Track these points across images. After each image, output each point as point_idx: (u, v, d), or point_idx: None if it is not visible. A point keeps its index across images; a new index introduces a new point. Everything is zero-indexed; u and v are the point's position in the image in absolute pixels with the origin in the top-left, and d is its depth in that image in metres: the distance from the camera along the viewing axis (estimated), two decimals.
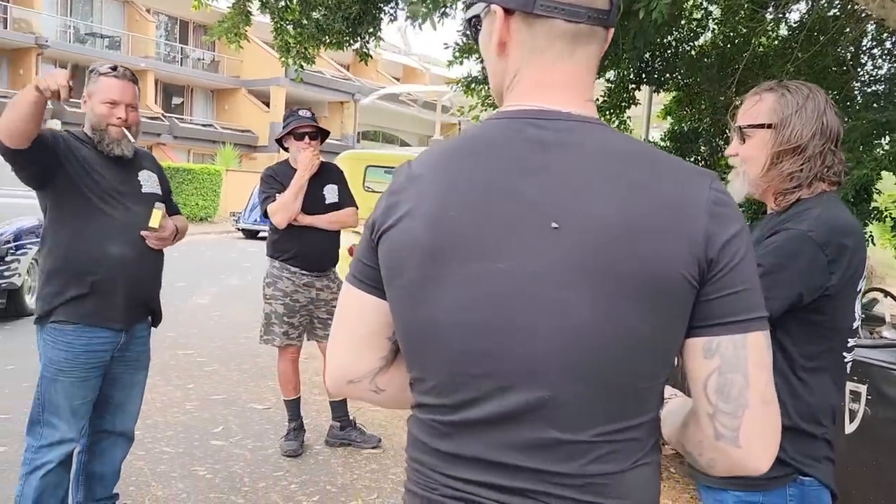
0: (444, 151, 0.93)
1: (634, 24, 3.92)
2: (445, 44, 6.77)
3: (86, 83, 2.52)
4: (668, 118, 8.51)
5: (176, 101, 29.93)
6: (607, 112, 8.61)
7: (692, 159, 7.11)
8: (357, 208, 3.91)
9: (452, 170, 0.90)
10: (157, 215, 2.49)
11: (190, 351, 6.07)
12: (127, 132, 2.47)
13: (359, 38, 6.79)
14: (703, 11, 6.84)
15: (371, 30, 6.74)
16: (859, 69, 7.91)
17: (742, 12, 6.38)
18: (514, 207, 0.85)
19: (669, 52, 6.73)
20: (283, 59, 6.65)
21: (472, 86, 7.39)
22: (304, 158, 3.65)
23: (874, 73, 7.57)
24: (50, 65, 25.66)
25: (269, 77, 28.41)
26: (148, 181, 2.55)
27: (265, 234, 16.54)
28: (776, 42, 6.72)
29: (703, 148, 7.29)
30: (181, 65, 29.81)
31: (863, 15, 6.79)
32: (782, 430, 0.89)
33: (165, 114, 27.34)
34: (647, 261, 0.82)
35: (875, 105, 5.59)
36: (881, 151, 4.81)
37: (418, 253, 0.87)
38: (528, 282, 0.84)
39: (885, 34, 6.47)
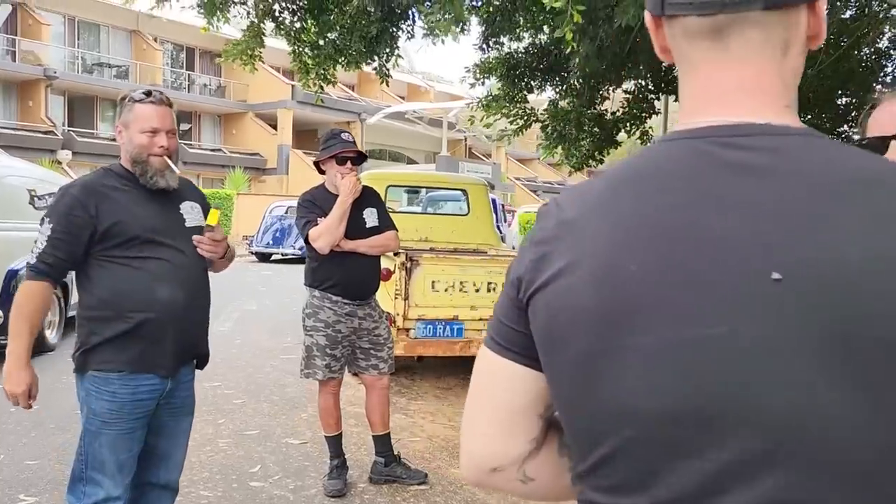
0: (608, 186, 0.75)
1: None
2: (466, 67, 6.73)
3: (119, 114, 2.34)
4: None
5: (184, 126, 30.03)
6: (627, 123, 8.44)
7: None
8: (397, 230, 3.76)
9: (623, 211, 0.71)
10: (214, 214, 2.40)
11: (216, 383, 5.89)
12: (170, 162, 2.30)
13: (376, 58, 6.73)
14: None
15: (388, 49, 6.68)
16: (881, 71, 7.82)
17: None
18: (715, 255, 0.66)
19: None
20: (302, 81, 6.57)
21: (493, 104, 7.28)
22: (348, 183, 3.50)
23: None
24: (59, 96, 25.80)
25: (275, 100, 28.53)
26: (191, 213, 2.39)
27: (278, 257, 16.31)
28: None
29: None
30: (188, 91, 29.95)
31: (880, 17, 6.66)
32: None
33: None
34: None
35: None
36: None
37: (587, 318, 0.70)
38: (748, 353, 0.64)
39: None
